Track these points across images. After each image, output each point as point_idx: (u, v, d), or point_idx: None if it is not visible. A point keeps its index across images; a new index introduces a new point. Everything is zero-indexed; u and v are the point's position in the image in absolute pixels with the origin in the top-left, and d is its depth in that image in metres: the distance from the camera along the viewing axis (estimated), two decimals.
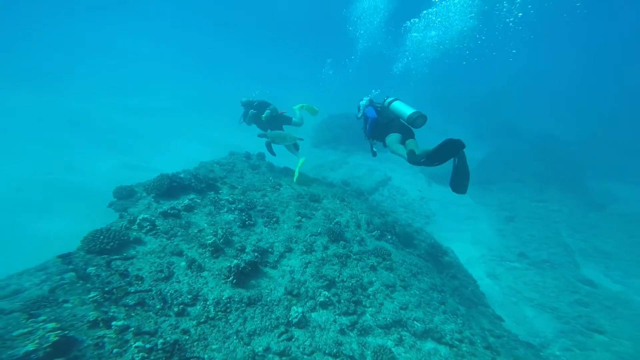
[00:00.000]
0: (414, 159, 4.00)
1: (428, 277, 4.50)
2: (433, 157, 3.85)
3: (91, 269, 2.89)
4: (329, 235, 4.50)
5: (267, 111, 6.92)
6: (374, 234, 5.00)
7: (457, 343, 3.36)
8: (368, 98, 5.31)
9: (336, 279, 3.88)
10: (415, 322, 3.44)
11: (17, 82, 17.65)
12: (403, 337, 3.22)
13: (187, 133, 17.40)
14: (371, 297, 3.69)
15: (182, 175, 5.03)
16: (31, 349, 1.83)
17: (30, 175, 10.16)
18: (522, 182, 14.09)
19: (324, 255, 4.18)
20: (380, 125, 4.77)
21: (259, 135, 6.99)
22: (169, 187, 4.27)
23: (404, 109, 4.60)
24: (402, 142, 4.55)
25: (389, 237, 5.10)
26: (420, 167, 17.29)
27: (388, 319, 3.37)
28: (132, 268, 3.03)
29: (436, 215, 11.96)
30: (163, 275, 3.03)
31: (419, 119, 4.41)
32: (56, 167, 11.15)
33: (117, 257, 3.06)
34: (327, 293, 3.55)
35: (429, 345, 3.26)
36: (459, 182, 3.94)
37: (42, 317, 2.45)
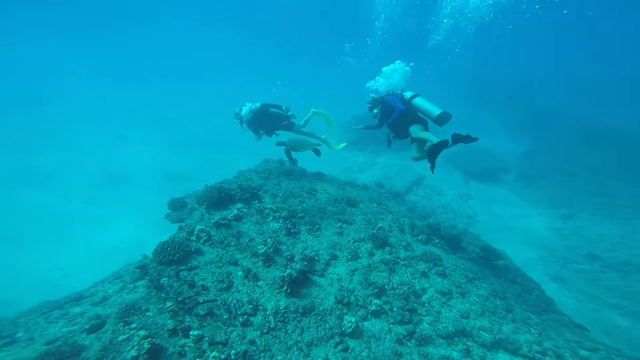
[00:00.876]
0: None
1: (486, 283, 4.26)
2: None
3: (164, 280, 3.17)
4: (373, 241, 4.46)
5: (247, 106, 6.58)
6: (420, 238, 4.86)
7: (538, 356, 3.10)
8: (385, 85, 4.97)
9: (386, 287, 3.83)
10: (482, 332, 3.27)
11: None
12: (470, 348, 3.07)
13: (216, 141, 18.30)
14: (426, 305, 3.58)
15: (227, 186, 5.33)
16: (134, 354, 2.07)
17: (95, 190, 11.44)
18: (577, 175, 12.73)
19: (369, 262, 4.16)
20: (405, 118, 4.66)
21: (278, 144, 6.82)
22: (218, 198, 4.54)
23: (430, 107, 4.56)
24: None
25: (437, 241, 4.92)
26: (454, 164, 16.44)
27: (450, 328, 3.24)
28: (197, 278, 3.26)
29: (479, 215, 11.27)
30: (224, 285, 3.23)
31: (446, 119, 4.45)
32: (112, 178, 12.46)
33: (184, 267, 3.32)
34: (378, 301, 3.52)
35: (503, 357, 3.07)
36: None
37: (134, 325, 2.75)
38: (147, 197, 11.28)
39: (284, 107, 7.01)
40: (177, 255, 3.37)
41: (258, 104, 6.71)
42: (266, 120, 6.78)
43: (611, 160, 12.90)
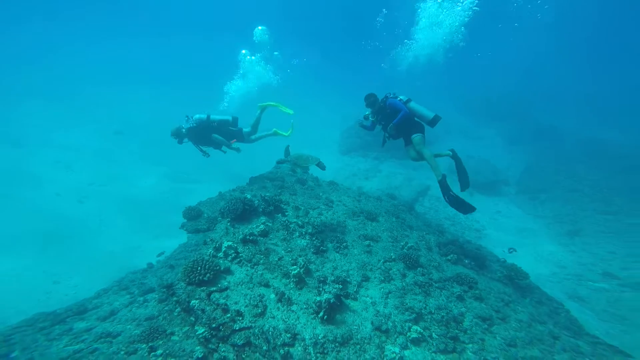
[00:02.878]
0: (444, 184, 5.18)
1: (521, 307, 4.13)
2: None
3: (195, 302, 2.92)
4: (404, 261, 4.29)
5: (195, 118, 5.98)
6: (449, 258, 4.71)
7: None
8: (392, 94, 5.59)
9: (423, 311, 3.65)
10: None
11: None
12: None
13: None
14: (468, 331, 3.41)
15: (248, 196, 5.10)
16: None
17: (86, 187, 10.89)
18: (579, 192, 12.86)
19: (403, 284, 3.98)
20: (408, 121, 5.27)
21: (279, 162, 6.62)
22: (243, 211, 4.31)
23: (424, 111, 5.32)
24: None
25: (467, 261, 4.78)
26: (457, 177, 16.56)
27: (500, 359, 3.07)
28: (230, 301, 3.02)
29: (486, 229, 11.24)
30: (259, 311, 3.00)
31: (437, 121, 5.32)
32: (107, 178, 11.91)
33: (215, 289, 3.08)
34: (417, 327, 3.33)
35: None
36: (465, 180, 5.52)
37: (160, 351, 2.49)
38: (145, 198, 10.85)
39: (231, 118, 6.47)
40: (207, 275, 3.12)
41: (204, 115, 6.12)
42: (210, 134, 6.16)
43: (612, 176, 13.10)
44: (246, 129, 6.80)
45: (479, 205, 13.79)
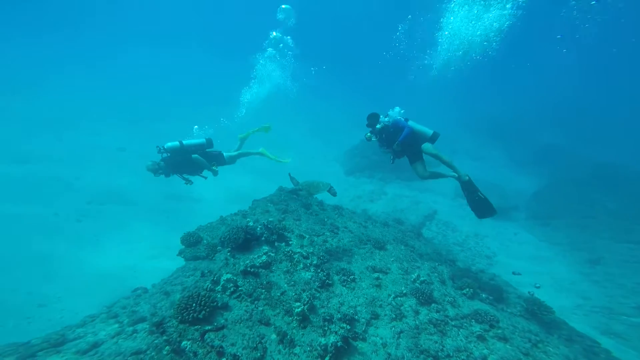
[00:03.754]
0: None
1: (552, 347, 3.72)
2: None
3: (186, 344, 2.65)
4: (416, 296, 3.97)
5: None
6: (465, 292, 4.36)
7: None
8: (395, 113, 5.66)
9: (440, 354, 3.30)
10: None
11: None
12: None
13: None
14: None
15: (251, 224, 4.90)
16: None
17: (84, 206, 10.75)
18: (595, 218, 12.38)
19: (416, 322, 3.64)
20: (412, 138, 5.35)
21: (291, 192, 6.37)
22: (244, 240, 4.11)
23: (423, 129, 5.45)
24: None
25: (484, 296, 4.42)
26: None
27: None
28: (226, 343, 2.74)
29: (497, 255, 10.72)
30: (258, 355, 2.70)
31: (437, 138, 5.44)
32: (107, 195, 11.76)
33: (210, 328, 2.81)
34: None
35: None
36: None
37: None
38: (144, 217, 10.66)
39: (205, 140, 6.19)
40: (203, 312, 2.87)
41: (176, 142, 5.82)
42: (189, 157, 5.88)
43: (631, 203, 12.63)
44: (227, 154, 6.61)
45: (488, 231, 13.35)
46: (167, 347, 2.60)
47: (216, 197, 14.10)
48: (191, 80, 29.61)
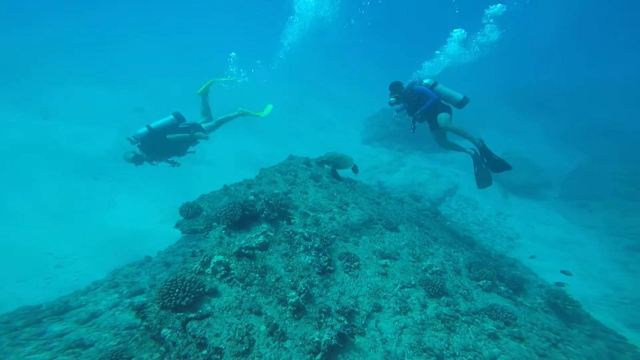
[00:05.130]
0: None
1: (573, 347, 3.33)
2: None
3: (166, 332, 2.47)
4: (426, 288, 3.58)
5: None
6: (481, 283, 3.92)
7: None
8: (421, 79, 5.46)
9: (444, 352, 2.99)
10: None
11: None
12: None
13: (236, 123, 17.50)
14: None
15: (251, 198, 4.57)
16: None
17: (101, 164, 10.91)
18: None
19: (423, 316, 3.30)
20: (436, 106, 5.11)
21: (319, 163, 5.83)
22: (242, 217, 3.79)
23: (452, 93, 5.18)
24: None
25: (503, 289, 3.97)
26: (494, 175, 15.09)
27: None
28: (210, 333, 2.54)
29: (520, 237, 10.01)
30: (243, 348, 2.49)
31: (466, 103, 5.17)
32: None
33: (193, 316, 2.61)
34: None
35: None
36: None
37: None
38: (156, 177, 10.68)
39: (173, 116, 5.58)
40: (187, 299, 2.65)
41: (144, 128, 5.28)
42: (164, 138, 5.36)
43: None
44: (200, 121, 6.04)
45: (513, 210, 12.38)
46: (148, 334, 2.43)
47: (229, 161, 14.00)
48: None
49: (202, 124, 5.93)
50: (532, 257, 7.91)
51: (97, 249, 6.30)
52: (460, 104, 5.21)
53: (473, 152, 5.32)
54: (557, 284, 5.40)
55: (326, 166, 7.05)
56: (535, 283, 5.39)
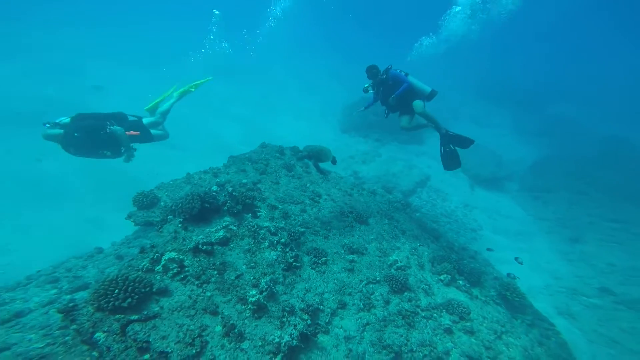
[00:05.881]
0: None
1: (513, 338, 3.59)
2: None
3: (99, 335, 2.22)
4: (390, 284, 3.60)
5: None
6: (442, 278, 4.03)
7: None
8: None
9: (403, 349, 3.03)
10: None
11: None
12: None
13: (211, 106, 16.43)
14: None
15: (214, 188, 4.26)
16: None
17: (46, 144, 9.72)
18: (587, 195, 12.10)
19: (385, 313, 3.32)
20: (409, 93, 5.22)
21: (299, 158, 5.47)
22: (201, 210, 3.51)
23: (422, 85, 5.32)
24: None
25: (461, 283, 4.12)
26: (461, 167, 15.79)
27: None
28: (155, 336, 2.32)
29: (483, 229, 10.62)
30: (193, 351, 2.31)
31: (434, 95, 5.34)
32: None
33: (136, 318, 2.36)
34: None
35: None
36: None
37: None
38: (114, 162, 9.69)
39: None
40: (129, 300, 2.39)
41: (67, 118, 4.43)
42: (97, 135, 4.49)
43: (628, 182, 12.25)
44: (148, 120, 5.25)
45: (478, 202, 13.03)
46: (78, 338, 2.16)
47: (197, 146, 13.19)
48: None
49: (143, 119, 5.10)
50: (488, 249, 8.43)
51: (42, 236, 5.63)
52: (429, 97, 5.35)
53: (444, 130, 5.33)
54: (509, 275, 5.79)
55: (306, 160, 6.80)
56: (491, 275, 5.72)
